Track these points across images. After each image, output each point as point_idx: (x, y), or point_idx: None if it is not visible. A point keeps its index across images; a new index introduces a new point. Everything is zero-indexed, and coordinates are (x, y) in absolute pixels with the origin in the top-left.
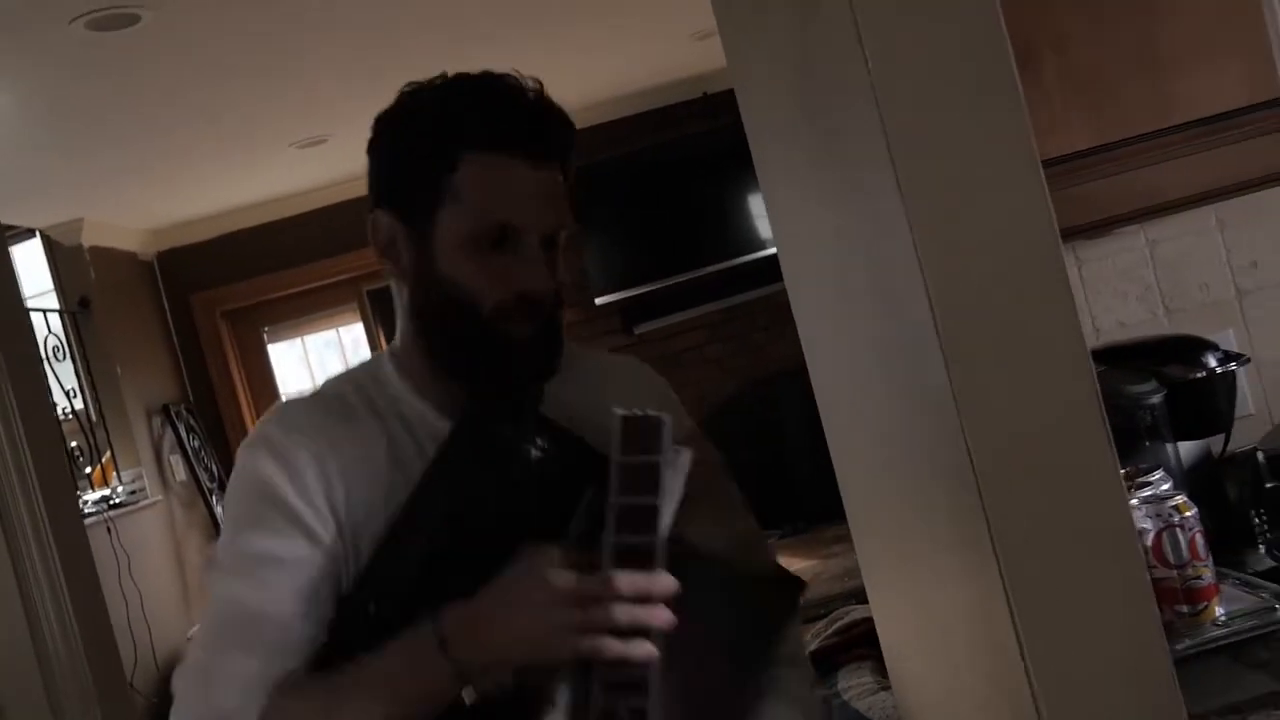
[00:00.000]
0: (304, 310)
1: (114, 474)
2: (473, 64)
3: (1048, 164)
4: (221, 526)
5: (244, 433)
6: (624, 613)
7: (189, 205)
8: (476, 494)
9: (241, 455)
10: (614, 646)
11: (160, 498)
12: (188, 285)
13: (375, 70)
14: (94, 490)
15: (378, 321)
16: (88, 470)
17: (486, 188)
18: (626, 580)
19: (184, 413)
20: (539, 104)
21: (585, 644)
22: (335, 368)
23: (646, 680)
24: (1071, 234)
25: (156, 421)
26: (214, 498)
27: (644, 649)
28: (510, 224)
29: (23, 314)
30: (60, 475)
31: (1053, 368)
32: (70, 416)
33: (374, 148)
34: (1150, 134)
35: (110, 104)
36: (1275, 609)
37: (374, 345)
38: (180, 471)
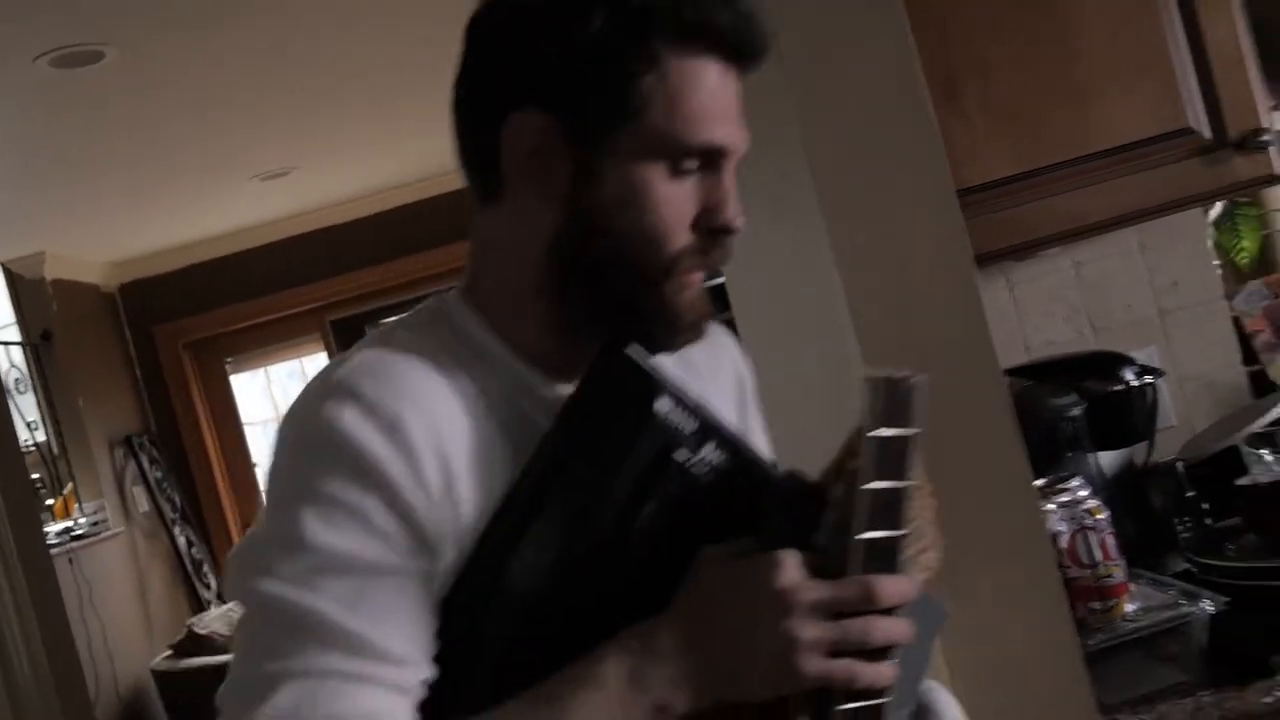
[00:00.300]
0: (267, 341)
1: (76, 505)
2: (443, 99)
3: (974, 190)
4: (270, 510)
5: (207, 463)
6: (881, 627)
7: (152, 237)
8: (631, 484)
9: (312, 414)
10: (867, 671)
11: (122, 529)
12: (150, 317)
13: (338, 103)
14: (56, 522)
15: (340, 351)
16: (49, 502)
17: (696, 98)
18: (890, 586)
19: (146, 444)
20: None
21: (839, 669)
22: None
23: (882, 712)
24: (1000, 256)
25: (119, 453)
26: (176, 528)
27: (891, 672)
28: (719, 145)
29: None
30: (26, 507)
31: (970, 383)
32: (32, 449)
33: (513, 28)
34: (1070, 161)
35: (74, 139)
36: (1181, 604)
37: None
38: (143, 502)
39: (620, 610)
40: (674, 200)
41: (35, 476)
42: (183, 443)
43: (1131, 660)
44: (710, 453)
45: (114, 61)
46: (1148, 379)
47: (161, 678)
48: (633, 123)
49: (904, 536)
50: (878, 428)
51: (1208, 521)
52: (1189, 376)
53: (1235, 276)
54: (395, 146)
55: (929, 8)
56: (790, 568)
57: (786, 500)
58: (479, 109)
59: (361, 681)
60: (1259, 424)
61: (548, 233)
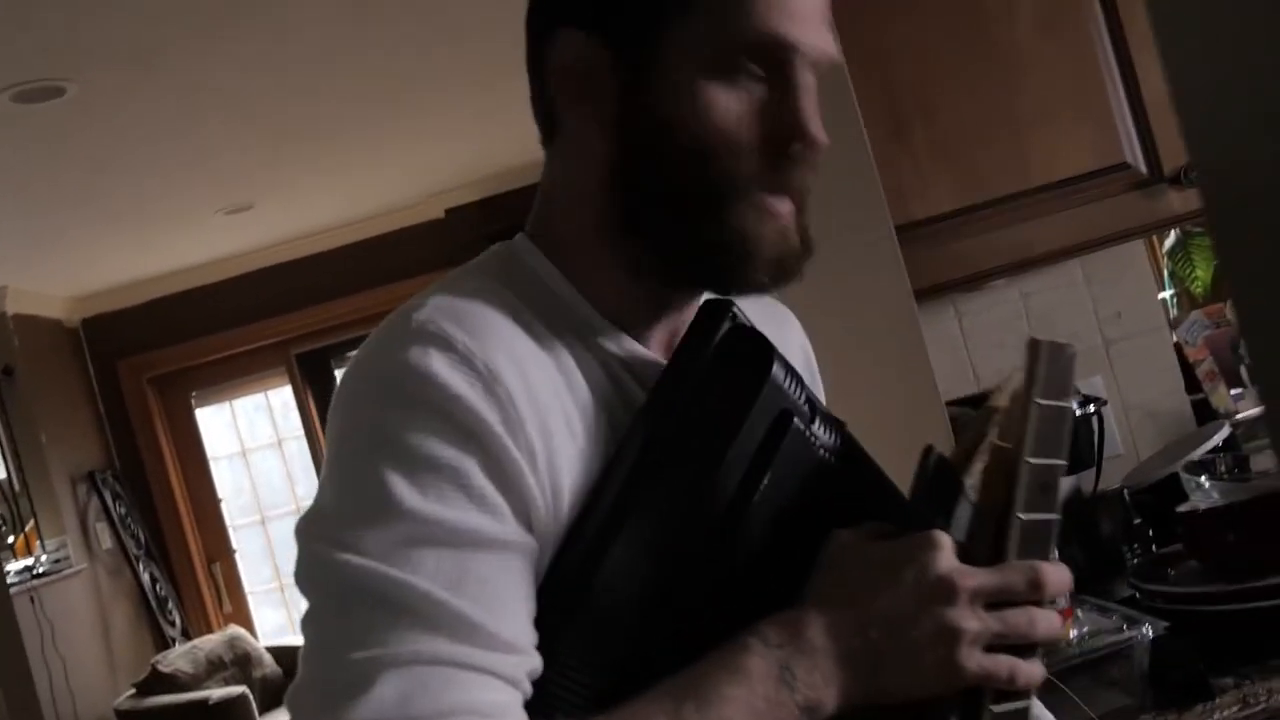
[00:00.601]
0: (232, 374)
1: (38, 542)
2: (403, 131)
3: (921, 224)
4: (340, 473)
5: (172, 499)
6: (1043, 620)
7: (115, 272)
8: (746, 457)
9: (393, 359)
10: (1025, 670)
11: (85, 566)
12: (114, 351)
13: (300, 137)
14: (17, 560)
15: (305, 384)
16: (10, 540)
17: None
18: (1054, 572)
19: (110, 479)
20: None
21: (1001, 668)
22: (264, 432)
23: (1028, 716)
24: (948, 288)
25: (82, 489)
26: (140, 565)
27: (1043, 671)
28: (792, 42)
29: None
30: None
31: (912, 414)
32: None
33: None
34: (1012, 195)
35: (35, 173)
36: (1124, 629)
37: (303, 408)
38: (106, 539)
39: (735, 596)
40: (733, 111)
41: None
42: (147, 478)
43: (1076, 685)
44: (820, 429)
45: (75, 96)
46: (1091, 408)
47: (125, 717)
48: (679, 23)
49: (1059, 521)
50: (1043, 396)
51: (1153, 548)
52: (1134, 405)
53: (1190, 304)
54: (356, 180)
55: (875, 50)
56: (949, 551)
57: (928, 479)
58: (531, 39)
59: (475, 671)
60: (1198, 452)
61: (603, 165)
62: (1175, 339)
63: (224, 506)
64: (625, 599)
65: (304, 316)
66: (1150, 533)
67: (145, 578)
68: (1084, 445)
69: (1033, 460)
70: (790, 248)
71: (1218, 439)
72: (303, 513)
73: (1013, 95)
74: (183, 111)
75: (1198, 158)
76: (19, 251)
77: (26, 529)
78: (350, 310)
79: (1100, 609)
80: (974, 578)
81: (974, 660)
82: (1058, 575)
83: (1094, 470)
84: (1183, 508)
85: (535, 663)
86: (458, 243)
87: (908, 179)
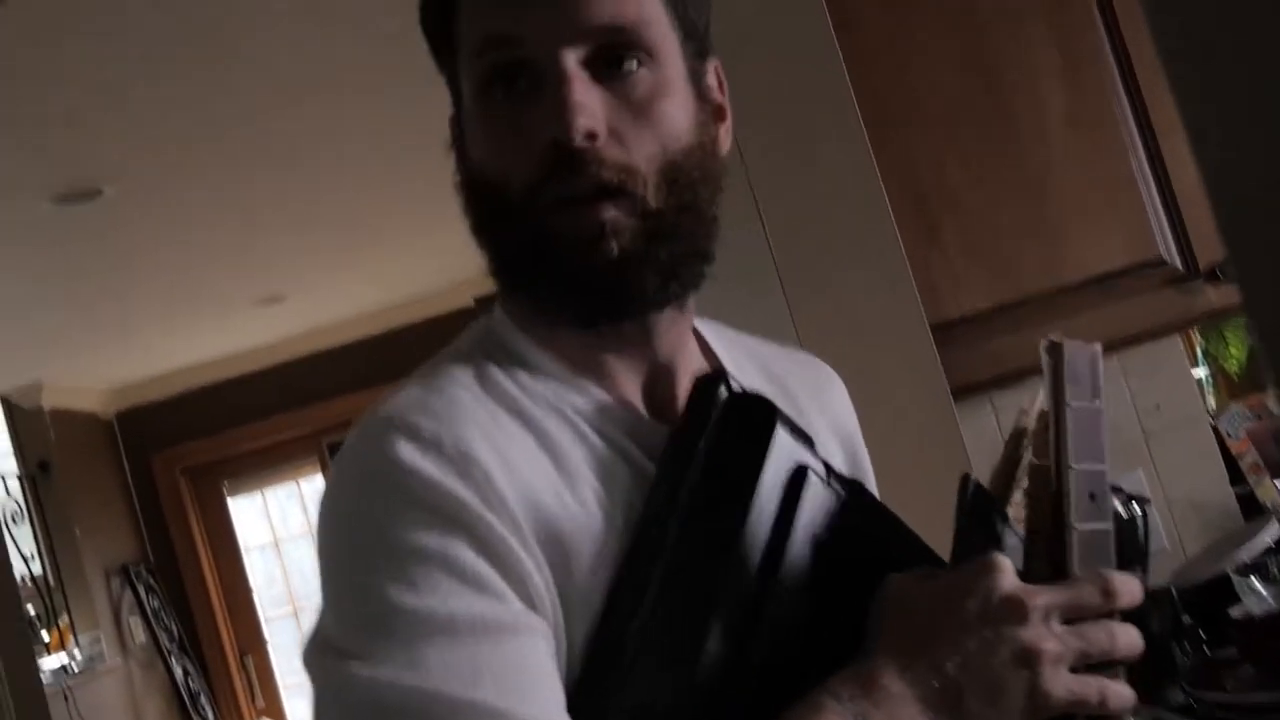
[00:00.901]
0: (264, 465)
1: (71, 637)
2: (430, 220)
3: (956, 323)
4: (334, 586)
5: (205, 591)
6: (1124, 633)
7: (148, 364)
8: (769, 518)
9: (363, 458)
10: (1115, 690)
11: (119, 662)
12: (148, 443)
13: (329, 227)
14: (50, 654)
15: None
16: (45, 636)
17: (483, 4)
18: (1123, 581)
19: (143, 573)
20: None
21: (1090, 690)
22: (296, 521)
23: None
24: (985, 387)
25: (115, 583)
26: (173, 659)
27: (1132, 692)
28: (503, 34)
29: None
30: (22, 646)
31: (951, 513)
32: (29, 583)
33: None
34: (1046, 293)
35: (72, 271)
36: None
37: None
38: (139, 633)
39: (779, 661)
40: (493, 124)
41: (30, 609)
42: (180, 570)
43: None
44: (837, 484)
45: (112, 197)
46: (1138, 509)
47: None
48: (460, 64)
49: (1113, 532)
50: (1075, 399)
51: (1205, 649)
52: (1177, 498)
53: (1226, 384)
54: (386, 270)
55: (903, 149)
56: (1010, 572)
57: (971, 509)
58: None
59: None
60: (1248, 551)
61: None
62: (1215, 426)
63: (256, 597)
64: (667, 674)
65: (335, 406)
66: (1201, 633)
67: (178, 672)
68: (1132, 546)
69: (1077, 466)
70: (600, 239)
71: (1268, 538)
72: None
73: (1043, 191)
74: (214, 207)
75: (1233, 252)
76: (57, 347)
77: (61, 624)
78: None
79: None
80: (1042, 595)
81: (1060, 683)
82: (1128, 583)
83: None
84: (1236, 612)
85: None
86: None
87: (941, 278)
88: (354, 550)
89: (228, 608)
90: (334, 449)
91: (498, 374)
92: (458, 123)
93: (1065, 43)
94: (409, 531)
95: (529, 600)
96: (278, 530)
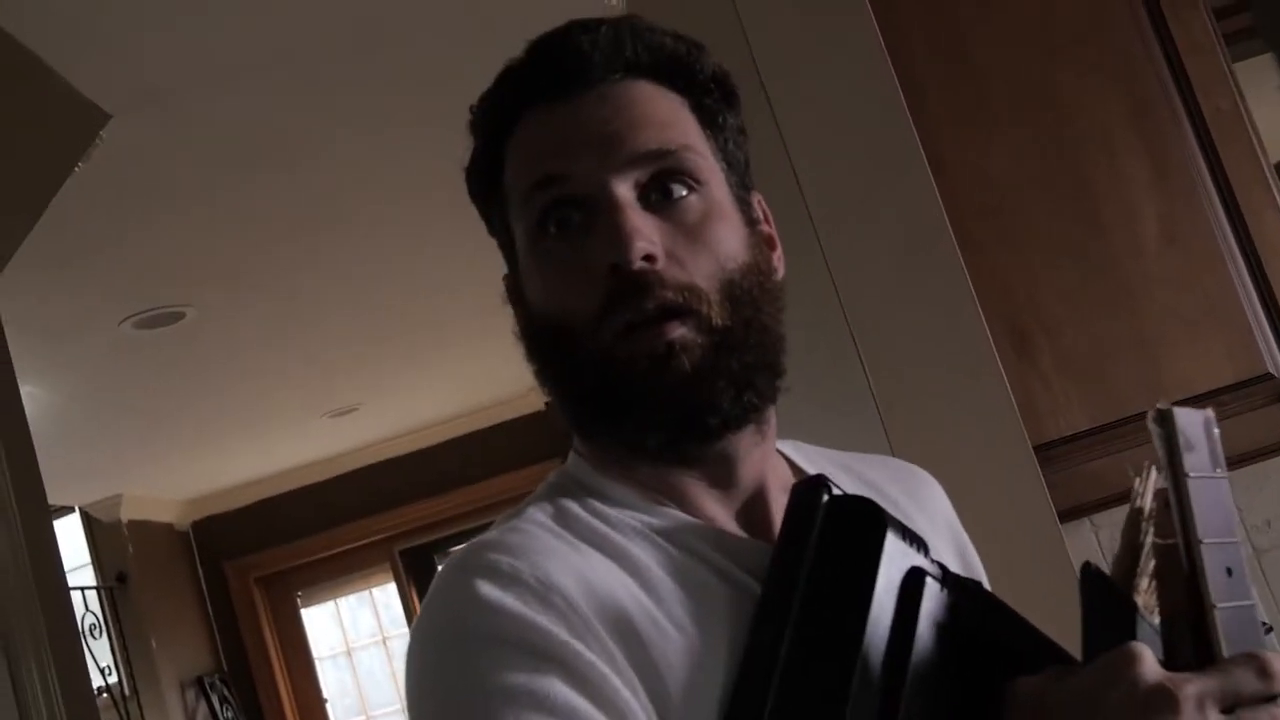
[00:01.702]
0: (337, 572)
1: None
2: (496, 334)
3: (1054, 444)
4: None
5: (278, 699)
6: None
7: (223, 475)
8: (887, 625)
9: (443, 605)
10: None
11: None
12: (222, 553)
13: (401, 341)
14: None
15: (410, 580)
16: None
17: (522, 147)
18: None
19: (218, 682)
20: (575, 30)
21: None
22: (369, 627)
23: None
24: (1085, 510)
25: (190, 693)
26: None
27: None
28: (551, 174)
29: (65, 596)
30: None
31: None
32: (105, 694)
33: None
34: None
35: (154, 391)
36: None
37: (406, 603)
38: None
39: None
40: (550, 267)
41: None
42: (253, 679)
43: None
44: (952, 584)
45: (194, 320)
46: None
47: None
48: (511, 216)
49: (1256, 606)
50: (1195, 470)
51: None
52: None
53: None
54: (457, 376)
55: (994, 273)
56: (1152, 659)
57: (1097, 600)
58: None
59: None
60: None
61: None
62: None
63: (329, 707)
64: None
65: (408, 512)
66: None
67: None
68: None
69: (1209, 541)
70: (688, 360)
71: None
72: None
73: (1140, 308)
74: (290, 322)
75: None
76: (135, 463)
77: None
78: (453, 506)
79: None
80: (1193, 683)
81: None
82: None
83: None
84: None
85: None
86: (559, 434)
87: (1038, 398)
88: (443, 702)
89: (300, 717)
90: (406, 555)
91: (575, 508)
92: (514, 279)
93: (1156, 154)
94: (496, 672)
95: None
96: (350, 638)
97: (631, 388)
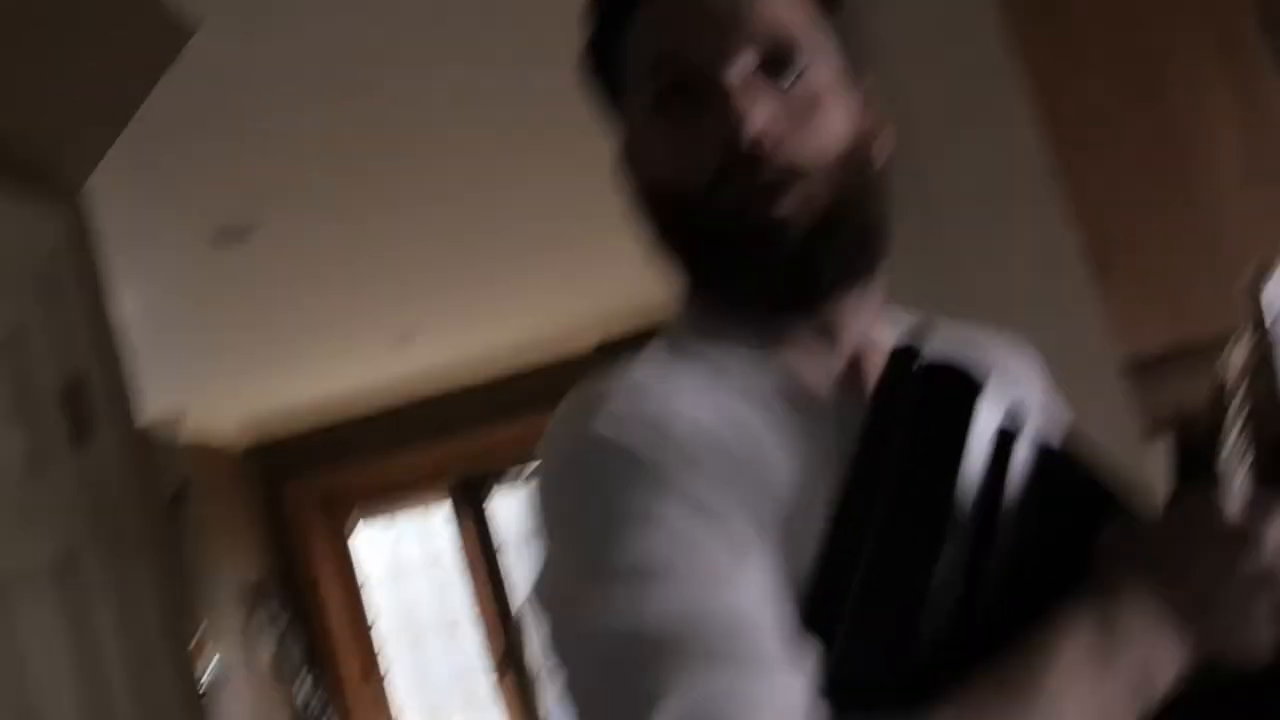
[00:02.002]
0: (393, 498)
1: (202, 655)
2: (556, 271)
3: (1126, 361)
4: (558, 558)
5: (328, 616)
6: None
7: (284, 397)
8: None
9: (563, 441)
10: None
11: (244, 680)
12: (280, 474)
13: (462, 270)
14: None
15: (464, 507)
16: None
17: (651, 28)
18: None
19: (271, 598)
20: None
21: None
22: (420, 553)
23: None
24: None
25: (244, 605)
26: (296, 682)
27: None
28: (671, 50)
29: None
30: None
31: None
32: None
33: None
34: (1220, 336)
35: (222, 311)
36: None
37: (461, 531)
38: (265, 655)
39: (1002, 618)
40: (666, 135)
41: None
42: (305, 596)
43: None
44: (1042, 443)
45: (266, 237)
46: None
47: None
48: (629, 88)
49: None
50: None
51: None
52: None
53: None
54: (513, 311)
55: (1079, 187)
56: (1229, 507)
57: (1185, 458)
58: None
59: (759, 674)
60: None
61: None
62: None
63: (379, 624)
64: (890, 622)
65: (462, 442)
66: None
67: (301, 693)
68: None
69: None
70: (795, 233)
71: None
72: (534, 584)
73: (1217, 228)
74: (354, 249)
75: None
76: (197, 382)
77: (192, 644)
78: (509, 438)
79: None
80: (1274, 526)
81: None
82: None
83: None
84: None
85: (810, 655)
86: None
87: (1114, 315)
88: (576, 521)
89: (351, 632)
90: (460, 484)
91: (688, 356)
92: (628, 152)
93: (1240, 90)
94: (616, 498)
95: (740, 552)
96: (402, 563)
97: (744, 256)
